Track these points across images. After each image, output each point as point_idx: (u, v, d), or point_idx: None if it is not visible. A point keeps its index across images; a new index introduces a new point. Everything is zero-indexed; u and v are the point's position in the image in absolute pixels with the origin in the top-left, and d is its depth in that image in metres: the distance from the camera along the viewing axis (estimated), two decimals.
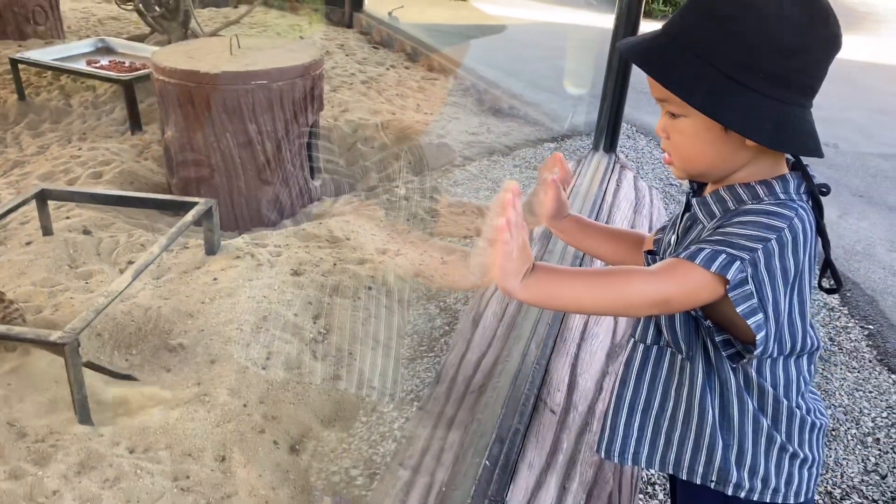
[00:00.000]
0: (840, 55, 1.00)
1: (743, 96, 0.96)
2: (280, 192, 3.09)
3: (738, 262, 0.97)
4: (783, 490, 1.18)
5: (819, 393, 1.37)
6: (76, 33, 5.46)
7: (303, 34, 6.08)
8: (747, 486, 1.17)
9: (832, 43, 0.98)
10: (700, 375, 1.15)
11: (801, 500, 1.20)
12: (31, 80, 4.30)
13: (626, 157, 4.41)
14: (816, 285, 1.16)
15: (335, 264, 2.52)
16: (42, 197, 2.56)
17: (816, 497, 2.17)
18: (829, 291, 1.14)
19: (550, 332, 2.24)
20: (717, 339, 1.10)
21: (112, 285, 1.99)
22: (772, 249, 0.98)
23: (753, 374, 1.11)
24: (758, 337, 1.00)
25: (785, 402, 1.14)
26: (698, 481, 1.20)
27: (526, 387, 1.96)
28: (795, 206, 1.02)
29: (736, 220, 1.02)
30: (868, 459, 2.39)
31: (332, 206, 3.21)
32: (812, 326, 1.12)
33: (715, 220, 1.07)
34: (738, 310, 0.98)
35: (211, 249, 2.58)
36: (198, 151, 2.94)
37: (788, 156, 1.08)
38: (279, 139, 2.99)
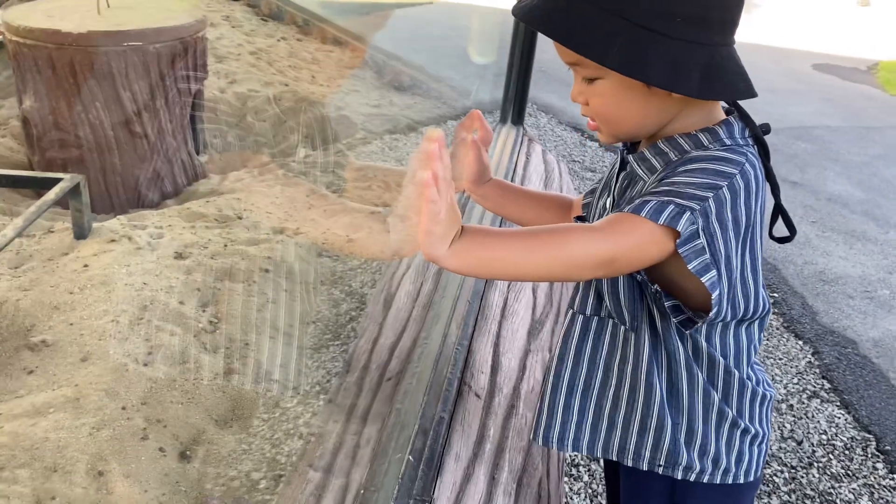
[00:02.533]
0: None
1: (663, 47, 0.89)
2: (161, 169, 2.78)
3: (688, 213, 0.90)
4: (734, 469, 1.12)
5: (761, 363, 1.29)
6: None
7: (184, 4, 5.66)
8: (697, 467, 1.11)
9: None
10: (646, 348, 1.08)
11: (751, 479, 1.14)
12: None
13: None
14: (767, 236, 1.09)
15: (226, 246, 2.26)
16: None
17: None
18: (782, 241, 1.08)
19: (471, 310, 2.08)
20: (667, 303, 1.02)
21: None
22: (724, 198, 0.91)
23: (703, 343, 1.05)
24: (714, 295, 0.93)
25: (736, 374, 1.08)
26: (645, 467, 1.14)
27: (448, 370, 1.78)
28: (744, 150, 0.96)
29: (682, 169, 0.95)
30: (784, 426, 2.39)
31: (222, 183, 2.92)
32: (763, 286, 1.05)
33: (657, 174, 1.00)
34: (690, 266, 0.91)
35: (81, 233, 2.26)
36: (63, 124, 2.59)
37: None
38: (157, 109, 2.67)
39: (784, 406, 2.50)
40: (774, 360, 2.77)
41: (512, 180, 3.05)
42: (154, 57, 2.58)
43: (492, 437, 1.74)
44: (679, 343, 1.06)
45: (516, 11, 0.95)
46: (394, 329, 2.08)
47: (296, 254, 2.28)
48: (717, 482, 1.12)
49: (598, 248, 0.94)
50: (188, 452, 1.59)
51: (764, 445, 1.16)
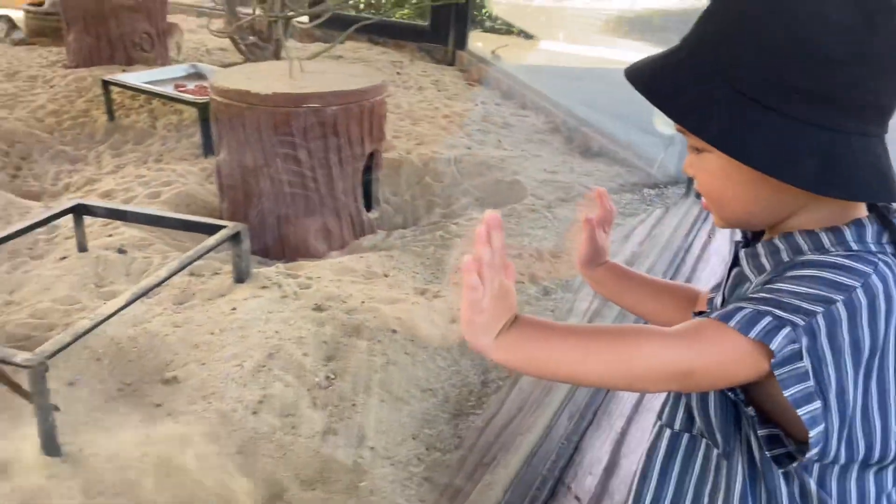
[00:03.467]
0: None
1: (772, 124, 0.77)
2: (329, 223, 2.91)
3: (787, 329, 0.77)
4: None
5: None
6: (185, 61, 5.63)
7: (401, 71, 6.03)
8: None
9: None
10: (739, 479, 0.92)
11: None
12: (124, 103, 4.41)
13: None
14: None
15: (363, 302, 2.28)
16: (78, 211, 2.49)
17: None
18: None
19: (593, 401, 1.90)
20: (760, 432, 0.88)
21: (102, 308, 1.84)
22: (838, 315, 0.78)
23: (813, 485, 0.88)
24: (811, 433, 0.80)
25: None
26: None
27: (545, 467, 1.62)
28: (875, 259, 0.82)
29: (790, 273, 0.82)
30: None
31: (385, 239, 3.00)
32: None
33: (764, 275, 0.87)
34: (787, 394, 0.78)
35: (240, 277, 2.42)
36: (247, 176, 2.82)
37: None
38: (331, 167, 2.82)
39: None
40: None
41: (683, 260, 2.80)
42: (330, 118, 2.73)
43: None
44: (782, 481, 0.89)
45: (628, 70, 0.88)
46: (510, 410, 1.95)
47: (427, 317, 2.24)
48: None
49: (670, 359, 0.82)
50: None
51: None
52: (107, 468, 1.63)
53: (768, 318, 0.78)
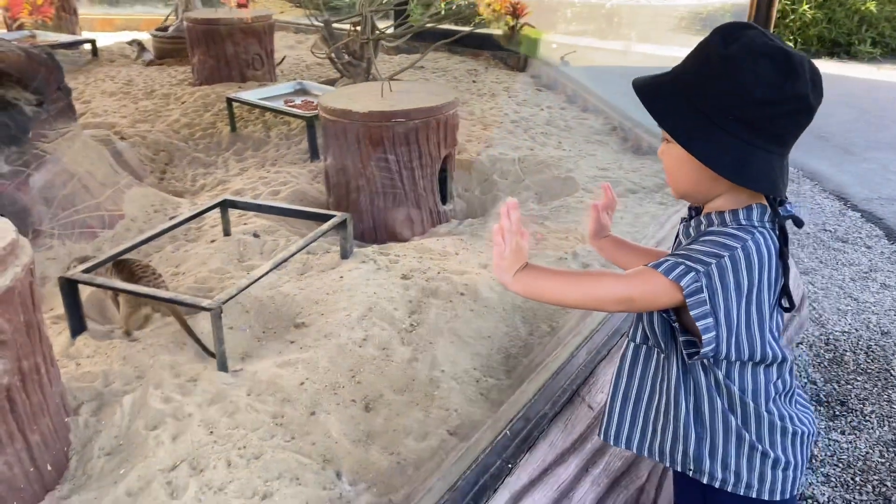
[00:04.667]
0: None
1: (713, 134, 1.14)
2: (412, 214, 3.61)
3: (692, 273, 1.15)
4: (756, 486, 1.33)
5: (809, 405, 1.44)
6: (286, 77, 6.45)
7: (476, 79, 6.65)
8: (720, 476, 1.34)
9: (802, 101, 1.13)
10: (675, 372, 1.36)
11: (777, 498, 1.34)
12: (242, 115, 5.24)
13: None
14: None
15: (439, 273, 2.96)
16: (224, 205, 3.28)
17: None
18: (786, 310, 1.31)
19: (608, 342, 2.51)
20: (681, 338, 1.30)
21: (253, 272, 2.59)
22: (725, 265, 1.15)
23: (721, 377, 1.28)
24: (704, 337, 1.19)
25: (752, 406, 1.28)
26: (679, 468, 1.40)
27: (566, 382, 2.25)
28: (754, 231, 1.18)
29: (701, 238, 1.22)
30: None
31: (458, 227, 3.67)
32: (775, 339, 1.29)
33: (689, 240, 1.29)
34: (692, 313, 1.17)
35: (344, 254, 3.14)
36: (348, 176, 3.55)
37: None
38: (413, 168, 3.52)
39: None
40: None
41: None
42: (414, 130, 3.43)
43: (595, 441, 2.16)
44: (702, 374, 1.30)
45: (635, 81, 1.23)
46: (547, 352, 2.59)
47: (488, 284, 2.90)
48: (741, 494, 1.33)
49: (619, 290, 1.23)
50: (370, 406, 2.29)
51: (790, 472, 1.32)
52: (262, 378, 2.36)
53: (681, 266, 1.15)
